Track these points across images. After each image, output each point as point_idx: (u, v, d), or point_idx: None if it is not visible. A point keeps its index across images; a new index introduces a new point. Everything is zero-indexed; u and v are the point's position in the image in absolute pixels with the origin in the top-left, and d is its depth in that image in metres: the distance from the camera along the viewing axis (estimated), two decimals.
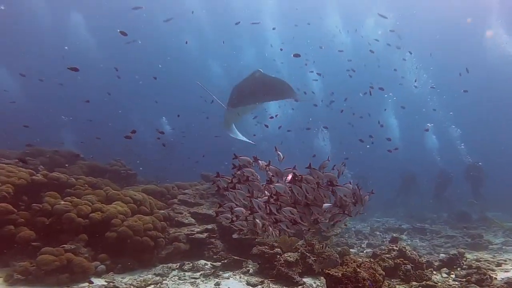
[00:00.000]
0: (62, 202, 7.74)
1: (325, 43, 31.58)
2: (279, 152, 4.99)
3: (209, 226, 9.51)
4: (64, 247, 6.93)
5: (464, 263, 8.53)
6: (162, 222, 8.85)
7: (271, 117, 19.12)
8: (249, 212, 4.78)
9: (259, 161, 4.92)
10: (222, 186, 4.94)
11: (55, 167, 10.33)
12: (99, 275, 7.10)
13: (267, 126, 18.10)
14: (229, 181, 4.89)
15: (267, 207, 4.65)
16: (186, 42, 32.59)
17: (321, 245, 8.56)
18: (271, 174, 4.81)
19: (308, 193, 4.56)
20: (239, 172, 4.88)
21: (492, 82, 38.67)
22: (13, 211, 7.09)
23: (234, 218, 4.83)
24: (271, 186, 4.70)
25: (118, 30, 11.58)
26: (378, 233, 15.67)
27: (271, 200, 4.68)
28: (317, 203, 4.62)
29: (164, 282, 7.18)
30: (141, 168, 16.44)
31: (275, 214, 4.62)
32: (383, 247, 9.68)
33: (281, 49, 22.10)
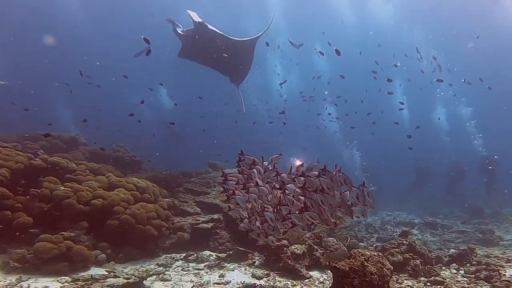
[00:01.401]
0: (62, 188, 7.52)
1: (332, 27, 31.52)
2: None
3: (215, 216, 9.32)
4: (63, 234, 6.72)
5: (474, 259, 8.45)
6: (166, 211, 8.67)
7: (281, 113, 19.07)
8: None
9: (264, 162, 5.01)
10: (230, 189, 4.99)
11: (56, 152, 10.12)
12: (99, 264, 6.90)
13: (285, 123, 18.12)
14: (236, 182, 5.00)
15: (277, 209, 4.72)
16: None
17: (345, 238, 8.48)
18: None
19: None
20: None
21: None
22: (9, 195, 6.88)
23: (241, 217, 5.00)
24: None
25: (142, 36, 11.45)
26: (389, 227, 15.50)
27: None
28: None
29: (167, 272, 7.03)
30: (149, 160, 16.37)
31: (288, 217, 4.60)
32: (393, 241, 9.53)
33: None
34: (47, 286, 5.58)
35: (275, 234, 4.95)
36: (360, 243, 11.00)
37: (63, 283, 5.75)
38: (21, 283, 5.58)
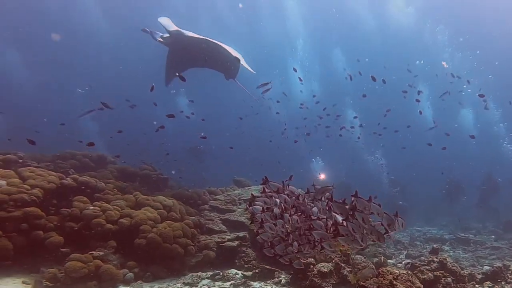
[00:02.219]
0: (91, 207, 7.80)
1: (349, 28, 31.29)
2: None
3: (241, 234, 9.39)
4: (92, 253, 6.96)
5: (510, 276, 8.21)
6: (192, 229, 8.80)
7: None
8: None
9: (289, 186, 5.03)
10: (259, 220, 5.07)
11: (86, 171, 10.46)
12: (127, 283, 7.10)
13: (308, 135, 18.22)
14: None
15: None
16: None
17: (380, 259, 8.44)
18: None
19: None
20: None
21: None
22: (42, 215, 7.18)
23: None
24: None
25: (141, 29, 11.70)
26: (418, 243, 15.28)
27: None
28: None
29: None
30: (173, 172, 16.58)
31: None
32: (422, 258, 9.37)
33: None
34: None
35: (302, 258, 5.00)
36: (389, 260, 10.86)
37: None
38: None
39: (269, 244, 5.19)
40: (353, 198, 4.51)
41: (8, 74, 33.79)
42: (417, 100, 17.57)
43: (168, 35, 12.05)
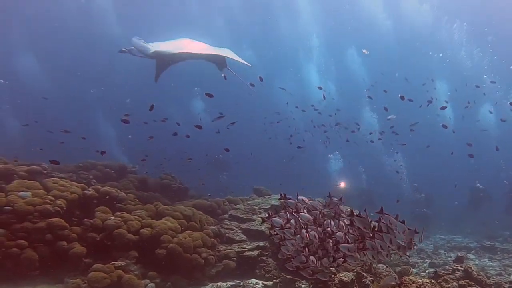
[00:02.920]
0: (113, 218, 7.98)
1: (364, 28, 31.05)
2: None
3: (261, 243, 9.45)
4: (114, 264, 7.12)
5: None
6: (212, 239, 8.90)
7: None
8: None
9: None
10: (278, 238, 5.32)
11: (107, 181, 10.71)
12: None
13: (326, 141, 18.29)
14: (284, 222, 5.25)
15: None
16: None
17: (403, 268, 8.42)
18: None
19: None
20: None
21: None
22: (65, 226, 7.38)
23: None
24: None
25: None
26: (442, 251, 15.11)
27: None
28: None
29: None
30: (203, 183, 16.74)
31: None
32: (447, 267, 9.27)
33: None
34: None
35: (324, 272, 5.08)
36: (412, 269, 10.78)
37: None
38: None
39: (290, 257, 5.26)
40: (380, 216, 4.64)
41: (27, 80, 34.52)
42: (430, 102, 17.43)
43: (146, 54, 12.33)
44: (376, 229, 4.68)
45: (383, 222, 4.61)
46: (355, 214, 4.96)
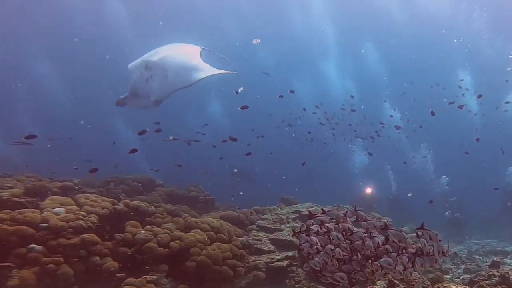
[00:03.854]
0: (143, 232, 8.25)
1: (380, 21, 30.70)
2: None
3: (290, 253, 9.56)
4: (146, 277, 7.36)
5: None
6: (241, 250, 9.04)
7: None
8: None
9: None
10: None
11: (136, 195, 11.05)
12: None
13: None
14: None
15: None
16: None
17: (436, 275, 8.43)
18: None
19: None
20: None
21: None
22: (98, 241, 7.67)
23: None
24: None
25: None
26: (477, 256, 14.85)
27: None
28: None
29: None
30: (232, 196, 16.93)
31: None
32: (482, 272, 9.17)
33: None
34: None
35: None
36: (445, 276, 10.67)
37: None
38: None
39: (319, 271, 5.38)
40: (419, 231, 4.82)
41: (44, 88, 35.35)
42: (460, 107, 17.15)
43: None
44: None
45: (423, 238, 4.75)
46: (389, 227, 5.09)
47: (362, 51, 33.51)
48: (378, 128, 19.96)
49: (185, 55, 11.96)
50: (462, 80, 17.73)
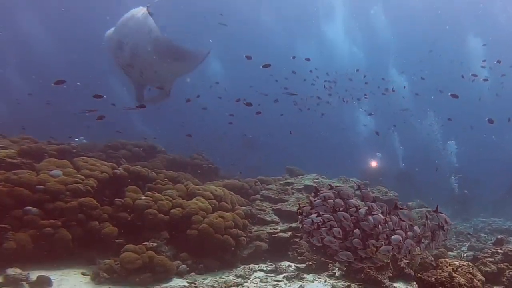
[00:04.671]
0: (143, 197, 8.09)
1: None
2: None
3: (294, 225, 9.41)
4: (146, 244, 7.23)
5: None
6: (243, 220, 8.91)
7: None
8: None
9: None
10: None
11: (137, 161, 10.86)
12: (180, 275, 7.33)
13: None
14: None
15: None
16: None
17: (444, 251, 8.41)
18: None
19: None
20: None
21: None
22: (97, 206, 7.52)
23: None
24: None
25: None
26: (482, 234, 14.76)
27: None
28: None
29: (245, 284, 7.27)
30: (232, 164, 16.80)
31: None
32: (486, 250, 9.08)
33: None
34: None
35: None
36: (450, 253, 10.60)
37: None
38: None
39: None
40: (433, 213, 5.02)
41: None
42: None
43: None
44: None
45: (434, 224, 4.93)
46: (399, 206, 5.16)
47: (372, 11, 32.69)
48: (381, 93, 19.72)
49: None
50: (484, 60, 17.13)
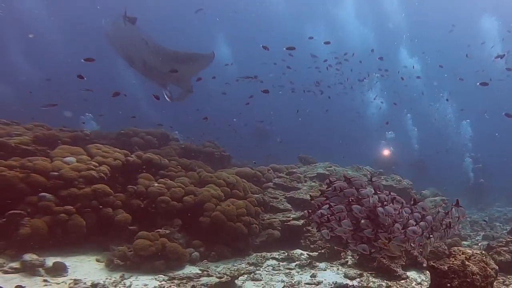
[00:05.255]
0: (156, 184, 8.18)
1: None
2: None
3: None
4: (159, 231, 7.31)
5: None
6: (256, 207, 8.96)
7: None
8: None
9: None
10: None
11: (149, 148, 10.94)
12: (193, 262, 7.41)
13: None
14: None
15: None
16: None
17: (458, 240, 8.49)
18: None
19: None
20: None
21: None
22: (110, 193, 7.61)
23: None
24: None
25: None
26: (497, 224, 14.70)
27: None
28: None
29: (257, 272, 7.30)
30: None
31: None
32: (500, 239, 9.05)
33: None
34: (146, 285, 6.18)
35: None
36: (464, 242, 10.60)
37: (160, 281, 6.33)
38: (124, 280, 6.27)
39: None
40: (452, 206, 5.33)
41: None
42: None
43: None
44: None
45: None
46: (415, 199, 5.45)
47: None
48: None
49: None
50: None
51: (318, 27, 33.83)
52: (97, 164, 7.95)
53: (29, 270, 5.90)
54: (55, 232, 6.69)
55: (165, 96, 13.84)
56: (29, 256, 6.00)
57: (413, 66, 22.66)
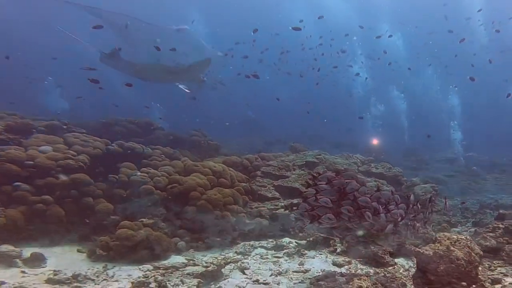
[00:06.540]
0: (139, 173, 8.04)
1: None
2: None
3: (295, 201, 9.36)
4: (142, 221, 7.19)
5: None
6: (243, 196, 8.89)
7: None
8: None
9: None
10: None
11: (132, 137, 10.77)
12: (179, 252, 7.29)
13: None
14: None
15: None
16: None
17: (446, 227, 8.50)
18: None
19: None
20: None
21: None
22: (90, 182, 7.48)
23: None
24: None
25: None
26: (488, 210, 14.77)
27: None
28: None
29: (245, 261, 7.20)
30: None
31: None
32: (488, 225, 9.15)
33: None
34: (130, 275, 6.05)
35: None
36: (454, 229, 10.63)
37: (145, 271, 6.21)
38: (107, 271, 6.12)
39: None
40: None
41: None
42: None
43: None
44: None
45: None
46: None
47: None
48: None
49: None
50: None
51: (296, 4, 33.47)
52: (75, 153, 7.80)
53: (5, 261, 5.76)
54: (32, 222, 6.54)
55: (184, 90, 13.98)
56: (5, 247, 5.85)
57: (390, 35, 22.64)
